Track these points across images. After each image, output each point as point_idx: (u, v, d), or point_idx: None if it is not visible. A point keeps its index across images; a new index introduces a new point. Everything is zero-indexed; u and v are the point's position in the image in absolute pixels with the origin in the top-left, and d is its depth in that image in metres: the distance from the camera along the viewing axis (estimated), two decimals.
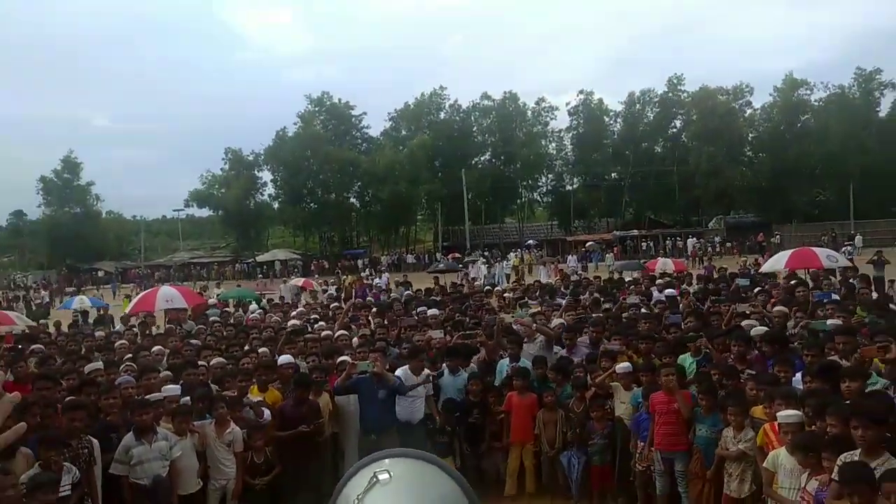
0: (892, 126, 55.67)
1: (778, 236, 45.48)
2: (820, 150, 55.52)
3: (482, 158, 67.14)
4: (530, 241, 57.78)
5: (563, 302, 13.00)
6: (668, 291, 13.49)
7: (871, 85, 58.80)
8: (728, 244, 50.02)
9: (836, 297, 10.97)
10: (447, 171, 61.63)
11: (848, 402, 5.22)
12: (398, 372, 7.77)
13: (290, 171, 60.93)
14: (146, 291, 18.33)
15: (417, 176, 58.51)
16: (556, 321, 10.15)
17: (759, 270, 17.60)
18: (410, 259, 57.30)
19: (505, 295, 15.79)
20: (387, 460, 1.19)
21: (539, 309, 11.92)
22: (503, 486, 7.84)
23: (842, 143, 54.10)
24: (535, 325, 9.41)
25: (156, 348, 10.05)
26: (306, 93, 66.10)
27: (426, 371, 7.98)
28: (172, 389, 7.16)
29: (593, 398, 7.64)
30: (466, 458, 8.02)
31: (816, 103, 60.06)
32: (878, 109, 59.02)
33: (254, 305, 17.54)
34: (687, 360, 7.87)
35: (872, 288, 13.26)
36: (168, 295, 15.87)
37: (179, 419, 6.55)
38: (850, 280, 13.46)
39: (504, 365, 8.67)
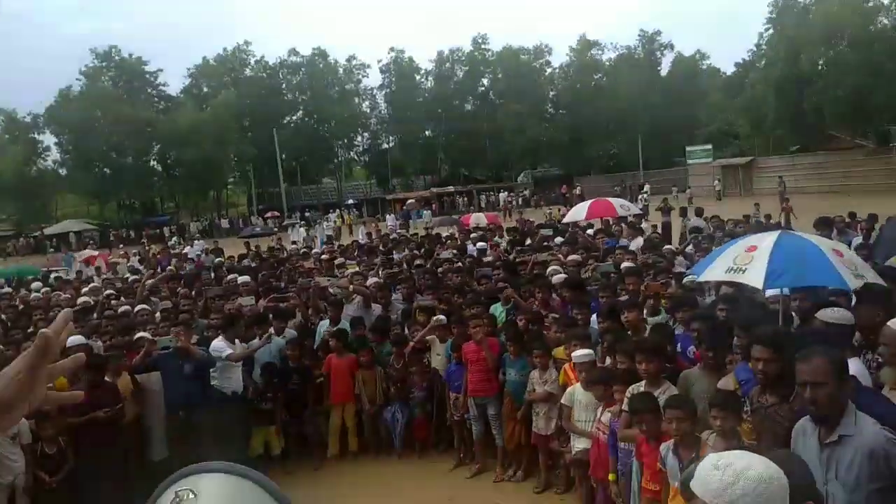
0: (671, 84, 61.96)
1: (579, 188, 48.90)
2: (612, 106, 60.29)
3: (294, 117, 65.03)
4: (350, 201, 57.39)
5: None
6: (480, 244, 13.97)
7: (654, 46, 64.92)
8: (535, 197, 53.07)
9: (624, 242, 12.00)
10: (258, 131, 58.62)
11: (631, 334, 5.73)
12: (215, 343, 7.34)
13: (77, 133, 54.83)
14: None
15: (224, 136, 55.31)
16: (371, 280, 10.14)
17: (562, 221, 18.78)
18: (224, 224, 54.54)
19: (322, 257, 15.49)
20: (192, 477, 1.06)
21: (357, 269, 11.86)
22: (327, 448, 7.81)
23: (630, 100, 59.32)
24: (352, 285, 9.35)
25: None
26: (91, 46, 59.48)
27: (257, 340, 7.70)
28: None
29: (412, 353, 7.77)
30: (288, 426, 7.83)
31: (608, 63, 65.21)
32: (659, 69, 65.32)
33: (37, 283, 15.66)
34: (498, 308, 8.21)
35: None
36: None
37: None
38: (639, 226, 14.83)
39: (323, 327, 8.53)
